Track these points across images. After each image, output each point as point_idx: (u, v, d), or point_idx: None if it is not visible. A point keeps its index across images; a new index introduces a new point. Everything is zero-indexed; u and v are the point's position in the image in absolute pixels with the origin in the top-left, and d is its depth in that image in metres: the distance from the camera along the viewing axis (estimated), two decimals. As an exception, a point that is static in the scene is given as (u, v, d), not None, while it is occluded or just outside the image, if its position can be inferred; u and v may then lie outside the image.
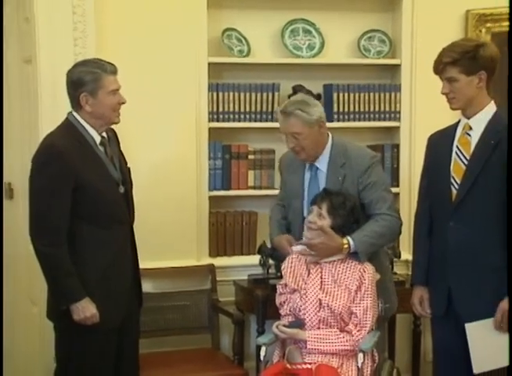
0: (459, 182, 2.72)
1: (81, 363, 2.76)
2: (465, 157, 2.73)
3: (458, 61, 2.66)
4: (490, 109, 2.74)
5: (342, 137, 3.16)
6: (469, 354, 2.71)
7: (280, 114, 3.04)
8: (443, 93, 2.74)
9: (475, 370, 2.69)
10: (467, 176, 2.69)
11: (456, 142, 2.77)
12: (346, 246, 2.88)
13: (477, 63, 2.67)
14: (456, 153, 2.75)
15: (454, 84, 2.69)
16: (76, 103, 2.76)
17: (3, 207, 3.46)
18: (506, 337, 2.65)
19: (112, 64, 2.78)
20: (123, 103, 2.81)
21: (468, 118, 2.75)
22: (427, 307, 2.86)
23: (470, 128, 2.75)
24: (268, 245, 3.66)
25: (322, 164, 3.06)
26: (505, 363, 2.66)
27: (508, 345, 2.65)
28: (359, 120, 3.84)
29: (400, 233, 3.06)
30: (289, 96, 3.81)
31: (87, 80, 2.72)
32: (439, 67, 2.72)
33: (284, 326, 2.89)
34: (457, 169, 2.73)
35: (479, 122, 2.72)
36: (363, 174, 2.99)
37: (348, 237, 2.89)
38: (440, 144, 2.83)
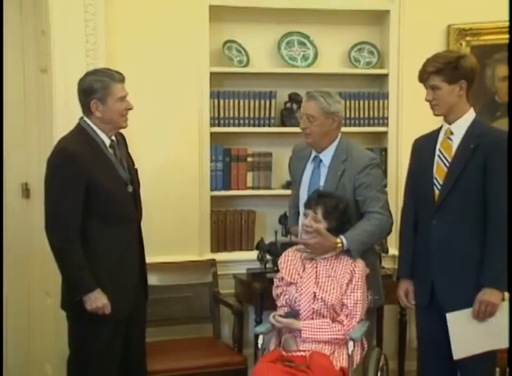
0: (441, 183, 2.73)
1: (92, 351, 2.78)
2: (447, 160, 2.74)
3: (441, 70, 2.69)
4: (469, 115, 2.76)
5: (350, 139, 3.17)
6: (449, 342, 2.73)
7: (305, 96, 3.07)
8: (427, 100, 2.76)
9: (455, 357, 2.72)
10: (449, 178, 2.71)
11: (438, 146, 2.79)
12: (340, 245, 2.90)
13: (458, 73, 2.69)
14: (439, 156, 2.77)
15: (437, 92, 2.71)
16: (87, 109, 2.78)
17: (3, 206, 3.47)
18: (483, 325, 2.68)
19: (120, 73, 2.80)
20: (130, 109, 2.82)
21: (450, 124, 2.77)
22: (412, 299, 2.87)
23: (452, 133, 2.76)
24: (266, 242, 3.70)
25: (326, 158, 3.07)
26: (482, 349, 2.69)
27: (487, 333, 2.68)
28: (350, 125, 3.84)
29: (390, 232, 3.05)
30: (285, 103, 3.85)
31: (97, 88, 2.73)
32: (424, 76, 2.74)
33: (280, 316, 2.90)
34: (439, 171, 2.75)
35: (460, 128, 2.74)
36: (360, 172, 2.99)
37: (342, 237, 2.90)
38: (424, 148, 2.85)
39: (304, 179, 3.12)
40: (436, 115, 2.79)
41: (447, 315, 2.71)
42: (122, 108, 2.78)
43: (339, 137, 3.09)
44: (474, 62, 2.76)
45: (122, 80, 2.79)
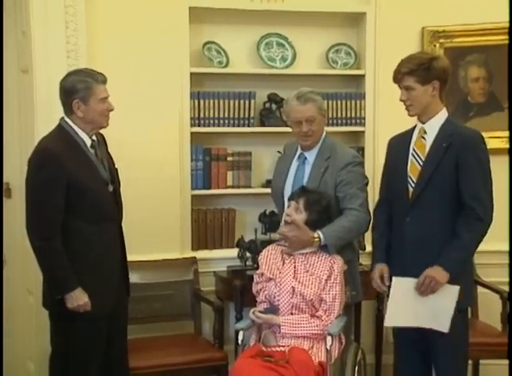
0: (415, 181, 2.75)
1: (74, 348, 2.76)
2: (420, 159, 2.76)
3: (414, 71, 2.71)
4: (442, 115, 2.78)
5: (334, 137, 3.21)
6: (423, 336, 2.75)
7: (297, 101, 3.04)
8: (401, 100, 2.77)
9: (386, 324, 2.74)
10: (422, 176, 2.72)
11: (412, 145, 2.80)
12: (317, 240, 2.91)
13: (431, 74, 2.71)
14: (413, 154, 2.78)
15: (411, 93, 2.73)
16: (68, 109, 2.76)
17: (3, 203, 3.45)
18: (421, 300, 2.67)
19: (102, 74, 2.80)
20: (111, 110, 2.81)
21: (423, 123, 2.79)
22: (387, 280, 2.82)
23: (425, 132, 2.78)
24: (246, 240, 3.70)
25: (311, 155, 3.09)
26: (410, 324, 2.71)
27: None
28: (328, 125, 3.80)
29: (367, 229, 3.05)
30: (264, 104, 3.85)
31: (79, 88, 2.72)
32: (397, 77, 2.76)
33: (260, 312, 2.91)
34: (413, 169, 2.76)
35: (433, 127, 2.76)
36: (342, 169, 3.01)
37: (319, 231, 2.91)
38: (398, 147, 2.86)
39: (289, 176, 3.14)
40: (411, 115, 2.80)
41: (393, 278, 2.73)
42: (104, 109, 2.78)
43: (324, 135, 3.11)
44: (446, 63, 2.79)
45: (104, 81, 2.79)
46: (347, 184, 2.99)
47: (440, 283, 2.65)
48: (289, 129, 3.86)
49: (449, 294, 2.66)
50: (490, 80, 3.85)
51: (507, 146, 3.73)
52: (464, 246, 2.67)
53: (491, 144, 3.56)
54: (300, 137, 3.09)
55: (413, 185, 2.75)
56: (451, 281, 2.66)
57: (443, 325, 2.66)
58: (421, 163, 2.75)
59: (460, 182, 2.67)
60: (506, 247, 3.21)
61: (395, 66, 2.78)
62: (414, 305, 2.69)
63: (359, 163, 3.10)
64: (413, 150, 2.79)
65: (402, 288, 2.70)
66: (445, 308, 2.65)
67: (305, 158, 3.11)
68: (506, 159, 3.61)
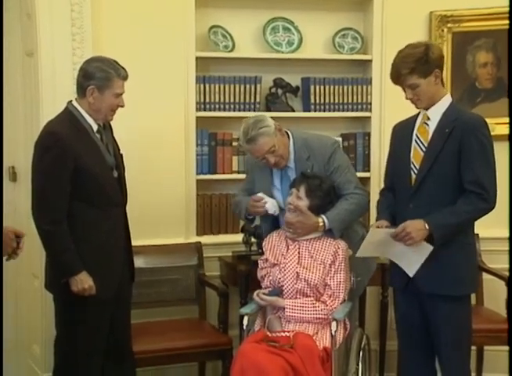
0: (418, 167, 2.73)
1: (78, 332, 2.79)
2: (423, 145, 2.74)
3: (415, 69, 2.67)
4: (446, 100, 2.76)
5: (300, 130, 3.20)
6: (426, 322, 2.76)
7: (247, 144, 3.01)
8: (408, 99, 2.74)
9: (357, 254, 2.80)
10: (425, 162, 2.71)
11: (415, 132, 2.78)
12: (321, 224, 2.93)
13: (430, 65, 2.69)
14: (416, 141, 2.77)
15: (416, 89, 2.70)
16: (82, 92, 2.77)
17: (3, 189, 3.45)
18: (394, 243, 2.68)
19: (125, 70, 2.79)
20: (121, 107, 2.82)
21: (426, 110, 2.77)
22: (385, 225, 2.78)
23: (428, 119, 2.76)
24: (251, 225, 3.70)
25: (289, 161, 3.08)
26: (384, 255, 2.84)
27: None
28: (334, 110, 3.85)
29: (368, 208, 3.13)
30: (270, 88, 3.84)
31: (99, 76, 2.73)
32: (400, 78, 2.71)
33: (264, 294, 2.92)
34: (416, 156, 2.75)
35: (436, 113, 2.74)
36: (328, 162, 3.04)
37: (323, 216, 2.94)
38: (402, 133, 2.85)
39: (276, 187, 3.14)
40: (419, 108, 2.78)
41: (370, 228, 2.78)
42: (115, 103, 2.79)
43: (291, 138, 3.10)
44: (439, 49, 2.79)
45: (125, 77, 2.80)
46: (337, 172, 3.03)
47: (414, 240, 2.64)
48: (295, 114, 3.87)
49: (421, 251, 2.66)
50: (498, 65, 3.83)
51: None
52: (456, 212, 2.64)
53: (497, 130, 3.56)
54: (273, 167, 3.08)
55: (416, 171, 2.73)
56: (439, 246, 2.63)
57: (410, 270, 2.70)
58: (424, 149, 2.73)
59: (462, 167, 2.66)
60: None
61: (392, 67, 2.73)
62: (387, 244, 2.70)
63: (338, 147, 3.12)
64: (416, 136, 2.77)
65: (377, 234, 2.72)
66: (414, 259, 2.67)
67: (286, 166, 3.10)
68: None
